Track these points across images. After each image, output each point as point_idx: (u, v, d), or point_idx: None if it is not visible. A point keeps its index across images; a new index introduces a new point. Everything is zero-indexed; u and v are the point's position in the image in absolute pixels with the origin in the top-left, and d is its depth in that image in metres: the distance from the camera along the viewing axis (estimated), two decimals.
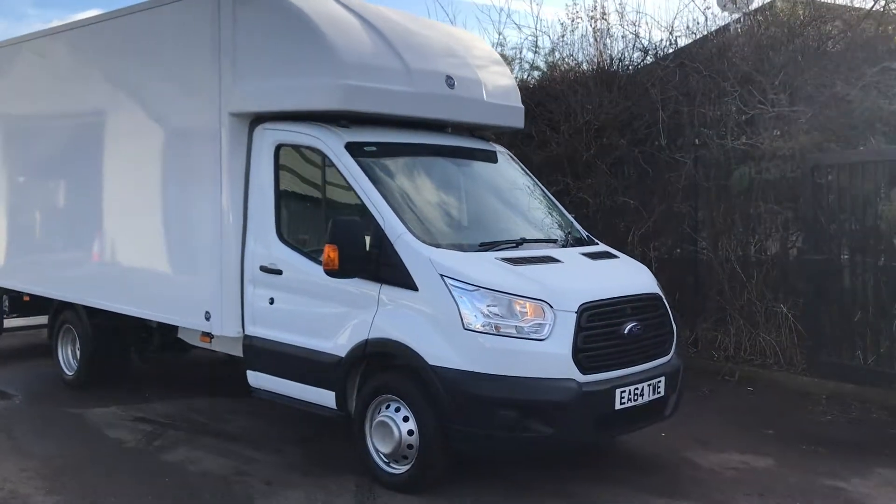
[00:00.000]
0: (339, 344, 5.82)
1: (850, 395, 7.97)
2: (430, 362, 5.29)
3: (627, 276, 6.07)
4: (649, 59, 10.64)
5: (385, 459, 5.66)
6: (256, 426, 7.17)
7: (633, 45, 10.68)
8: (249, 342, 6.47)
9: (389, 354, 5.61)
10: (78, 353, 8.50)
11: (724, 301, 9.19)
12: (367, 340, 5.63)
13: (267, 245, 6.33)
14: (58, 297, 8.35)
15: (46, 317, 9.21)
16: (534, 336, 5.21)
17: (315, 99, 5.99)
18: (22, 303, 9.28)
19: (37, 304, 9.10)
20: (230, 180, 6.46)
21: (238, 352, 6.77)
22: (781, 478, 5.98)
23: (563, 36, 11.48)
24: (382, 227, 5.62)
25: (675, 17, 10.50)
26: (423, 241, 5.57)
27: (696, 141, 9.43)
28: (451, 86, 6.54)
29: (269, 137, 6.39)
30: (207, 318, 6.64)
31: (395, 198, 5.83)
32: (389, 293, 5.57)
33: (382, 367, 5.73)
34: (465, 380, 5.18)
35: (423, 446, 5.43)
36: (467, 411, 5.19)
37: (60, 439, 6.85)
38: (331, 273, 5.59)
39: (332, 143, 6.02)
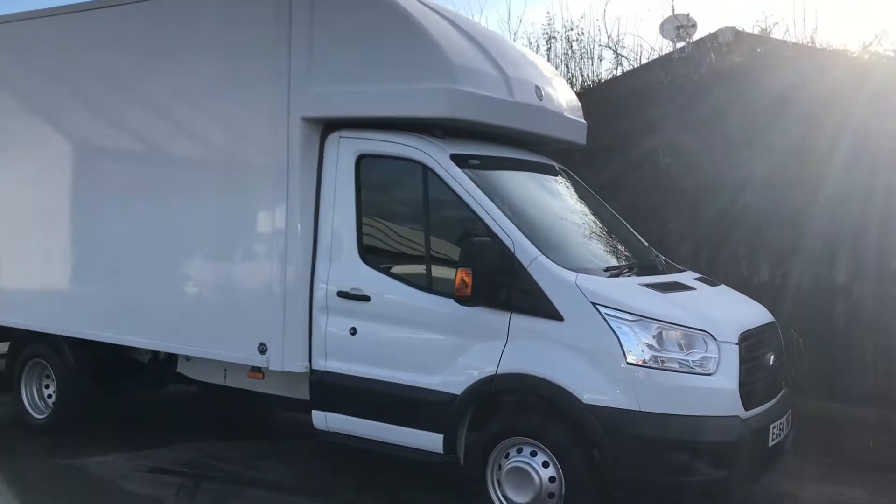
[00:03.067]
0: (452, 380, 5.17)
1: (871, 421, 8.02)
2: (585, 401, 4.75)
3: (749, 304, 5.78)
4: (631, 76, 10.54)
5: None
6: (304, 473, 6.33)
7: (617, 64, 10.54)
8: (320, 378, 5.67)
9: (526, 392, 5.03)
10: (50, 392, 7.29)
11: None
12: (494, 376, 5.02)
13: (347, 268, 5.58)
14: (32, 328, 7.06)
15: None
16: (700, 370, 4.78)
17: (418, 105, 5.33)
18: None
19: None
20: (299, 194, 5.65)
21: (296, 392, 5.96)
22: None
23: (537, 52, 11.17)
24: (512, 248, 5.03)
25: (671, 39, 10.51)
26: (559, 265, 5.04)
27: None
28: (540, 97, 6.07)
29: (348, 147, 5.65)
30: (262, 352, 5.77)
31: (516, 216, 5.26)
32: (523, 323, 4.99)
33: (508, 406, 5.14)
34: (630, 420, 4.68)
35: (569, 495, 4.86)
36: (633, 455, 4.69)
37: (79, 499, 5.74)
38: (463, 300, 4.96)
39: (435, 154, 5.38)
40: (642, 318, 4.78)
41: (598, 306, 4.81)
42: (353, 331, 5.53)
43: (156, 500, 5.71)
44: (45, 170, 6.98)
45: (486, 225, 5.15)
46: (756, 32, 10.57)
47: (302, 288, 5.67)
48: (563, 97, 6.57)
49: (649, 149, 9.60)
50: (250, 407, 7.75)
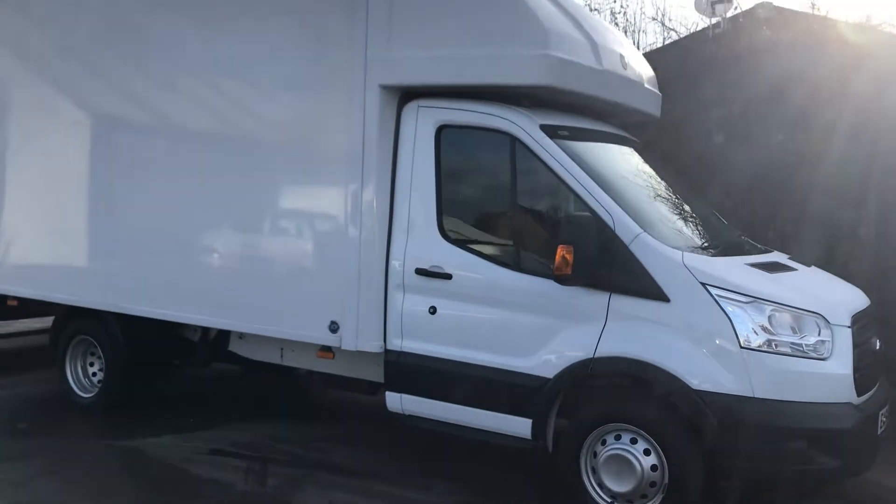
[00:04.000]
0: (543, 363, 4.92)
1: None
2: (695, 387, 4.51)
3: (846, 285, 5.53)
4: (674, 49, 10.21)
5: (607, 499, 4.81)
6: (370, 457, 6.07)
7: (665, 38, 10.23)
8: (396, 359, 5.40)
9: (627, 376, 4.78)
10: (95, 370, 7.03)
11: None
12: (591, 359, 4.77)
13: (426, 245, 5.30)
14: (82, 304, 6.73)
15: None
16: (814, 355, 4.54)
17: (512, 72, 5.01)
18: (4, 308, 7.55)
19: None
20: (376, 167, 5.36)
21: (362, 372, 5.73)
22: None
23: None
24: (612, 225, 4.77)
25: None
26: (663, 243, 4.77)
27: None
28: (625, 66, 5.78)
29: (427, 117, 5.35)
30: (334, 330, 5.50)
31: (614, 190, 4.98)
32: (624, 304, 4.73)
33: (605, 391, 4.90)
34: (744, 406, 4.44)
35: (672, 484, 4.62)
36: (745, 443, 4.44)
37: (145, 482, 5.49)
38: (562, 279, 4.70)
39: (525, 124, 5.09)
40: (756, 300, 4.53)
41: (707, 287, 4.56)
42: (433, 310, 5.26)
43: (225, 484, 5.46)
44: (99, 142, 6.64)
45: (582, 200, 4.88)
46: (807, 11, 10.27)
47: (377, 264, 5.39)
48: (642, 67, 6.28)
49: (700, 124, 9.33)
50: (295, 387, 7.54)
